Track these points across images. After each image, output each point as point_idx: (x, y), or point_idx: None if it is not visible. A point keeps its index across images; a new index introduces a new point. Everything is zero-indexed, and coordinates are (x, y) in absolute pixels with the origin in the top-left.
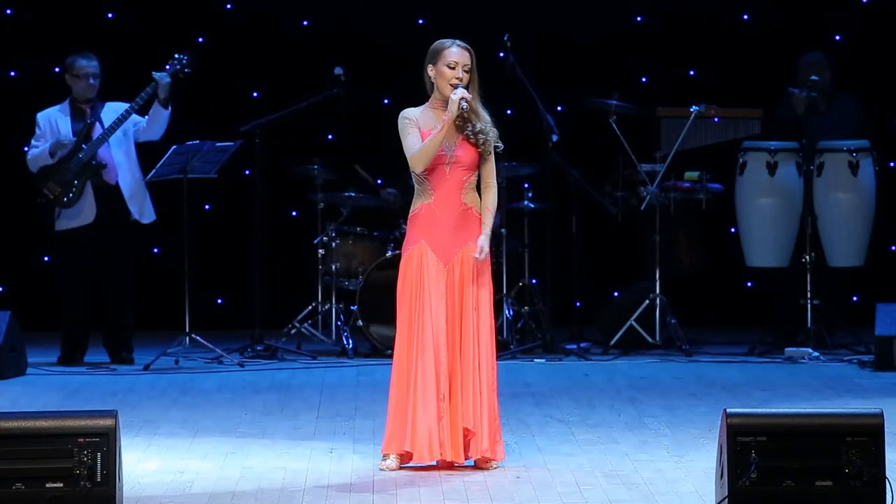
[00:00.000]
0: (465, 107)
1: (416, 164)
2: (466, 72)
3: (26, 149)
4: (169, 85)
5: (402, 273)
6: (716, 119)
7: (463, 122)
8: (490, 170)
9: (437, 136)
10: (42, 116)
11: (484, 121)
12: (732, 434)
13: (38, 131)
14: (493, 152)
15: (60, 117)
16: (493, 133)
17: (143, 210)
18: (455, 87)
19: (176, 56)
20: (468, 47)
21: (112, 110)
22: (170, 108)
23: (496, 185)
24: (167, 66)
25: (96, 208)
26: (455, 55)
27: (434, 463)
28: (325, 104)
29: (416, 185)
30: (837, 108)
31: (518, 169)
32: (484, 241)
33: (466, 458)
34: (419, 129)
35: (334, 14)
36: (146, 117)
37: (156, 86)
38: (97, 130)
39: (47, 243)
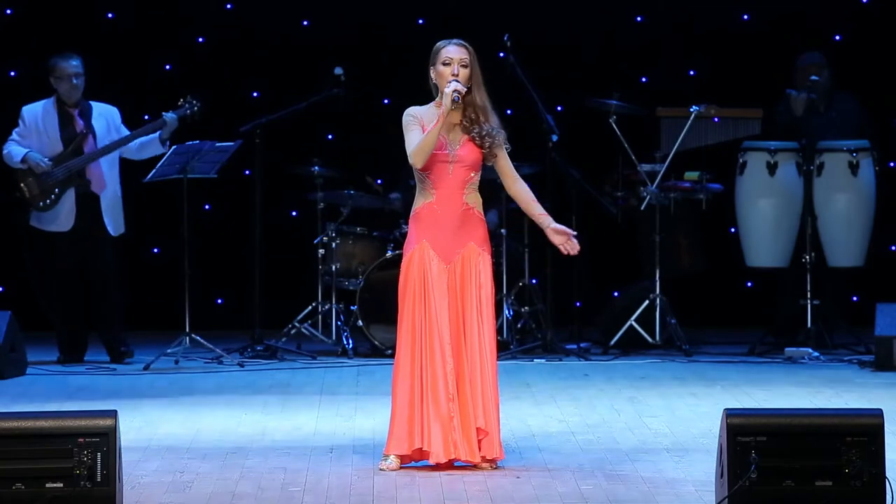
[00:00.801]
0: (457, 98)
1: (415, 159)
2: (465, 66)
3: (7, 143)
4: (176, 128)
5: (404, 273)
6: (716, 119)
7: (470, 123)
8: (508, 164)
9: (433, 129)
10: (29, 113)
11: (492, 122)
12: (732, 434)
13: (21, 126)
14: (502, 149)
15: (48, 120)
16: (501, 135)
17: (116, 223)
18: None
19: (189, 99)
20: (465, 44)
21: (101, 114)
22: (167, 146)
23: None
24: (178, 108)
25: (75, 216)
26: (450, 52)
27: (434, 463)
28: (325, 104)
29: (417, 184)
30: (837, 108)
31: (518, 169)
32: (556, 225)
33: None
34: (422, 127)
35: (334, 14)
36: (138, 139)
37: (163, 123)
38: (90, 144)
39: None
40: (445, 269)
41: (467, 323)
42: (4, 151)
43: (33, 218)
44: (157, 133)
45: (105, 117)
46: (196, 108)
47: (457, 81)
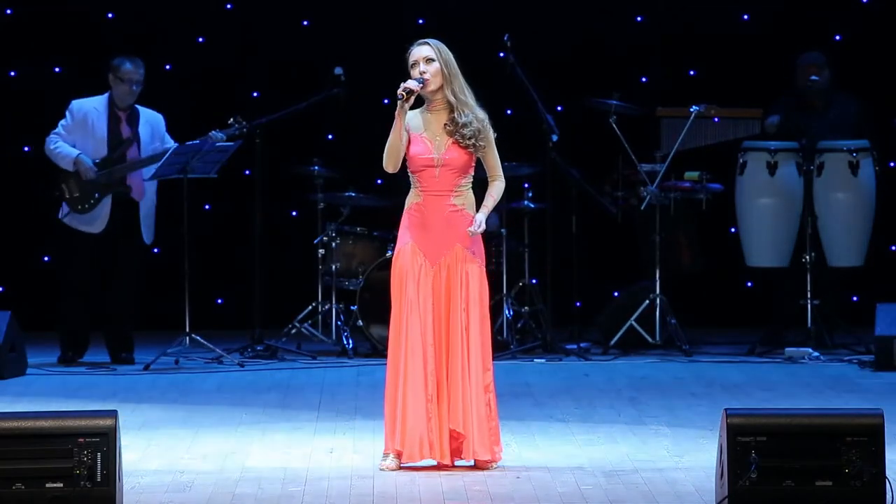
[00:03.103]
0: (400, 97)
1: (385, 163)
2: (431, 60)
3: (52, 136)
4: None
5: (392, 272)
6: (716, 119)
7: (455, 127)
8: (493, 162)
9: (393, 133)
10: (78, 109)
11: (465, 112)
12: (732, 434)
13: (69, 120)
14: (491, 143)
15: (98, 119)
16: (481, 122)
17: (150, 230)
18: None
19: (238, 119)
20: (427, 41)
21: (147, 121)
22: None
23: (503, 177)
24: (227, 128)
25: (109, 220)
26: (413, 54)
27: (434, 463)
28: (325, 104)
29: (411, 182)
30: (837, 108)
31: (518, 169)
32: (481, 216)
33: (457, 459)
34: (408, 133)
35: (334, 14)
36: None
37: (209, 141)
38: (133, 151)
39: (48, 243)
40: (431, 271)
41: (451, 325)
42: (52, 146)
43: (68, 217)
44: None
45: (150, 125)
46: (244, 130)
47: (412, 80)
